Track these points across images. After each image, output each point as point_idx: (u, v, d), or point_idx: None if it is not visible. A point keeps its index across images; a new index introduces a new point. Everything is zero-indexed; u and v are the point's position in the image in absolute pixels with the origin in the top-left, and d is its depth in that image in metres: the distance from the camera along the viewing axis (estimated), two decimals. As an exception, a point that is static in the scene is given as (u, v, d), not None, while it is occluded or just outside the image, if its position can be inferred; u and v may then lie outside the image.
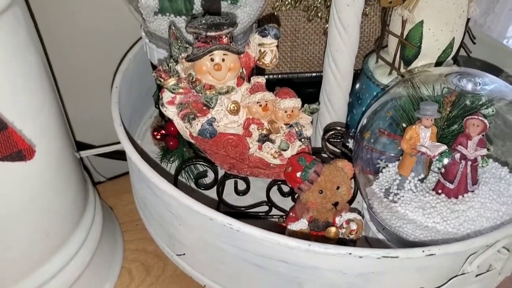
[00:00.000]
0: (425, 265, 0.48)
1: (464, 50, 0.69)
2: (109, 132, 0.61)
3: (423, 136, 0.55)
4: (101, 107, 0.63)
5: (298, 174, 0.56)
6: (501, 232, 0.49)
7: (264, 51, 0.56)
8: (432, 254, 0.46)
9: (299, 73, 0.80)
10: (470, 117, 0.53)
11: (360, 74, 0.73)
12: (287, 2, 0.74)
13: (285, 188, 0.64)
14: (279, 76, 0.80)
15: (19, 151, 0.46)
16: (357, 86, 0.73)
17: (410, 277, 0.49)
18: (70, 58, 0.78)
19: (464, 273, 0.49)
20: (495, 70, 0.76)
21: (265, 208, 0.66)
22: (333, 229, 0.56)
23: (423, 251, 0.46)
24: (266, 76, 0.78)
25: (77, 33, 0.76)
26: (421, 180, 0.58)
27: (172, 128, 0.66)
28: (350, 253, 0.46)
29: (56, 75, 0.75)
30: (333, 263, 0.48)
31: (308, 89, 0.75)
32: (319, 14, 0.75)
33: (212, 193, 0.65)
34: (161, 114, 0.74)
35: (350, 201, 0.64)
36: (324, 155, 0.62)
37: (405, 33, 0.64)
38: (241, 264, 0.52)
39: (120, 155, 0.81)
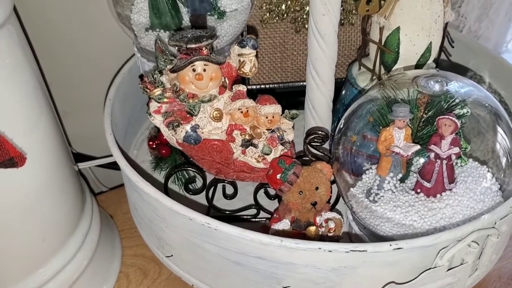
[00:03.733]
0: (395, 259, 0.50)
1: (444, 54, 0.71)
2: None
3: (397, 137, 0.57)
4: (101, 122, 0.67)
5: (278, 176, 0.59)
6: (468, 226, 0.50)
7: (243, 61, 0.59)
8: (399, 248, 0.48)
9: (290, 83, 0.83)
10: (441, 117, 0.55)
11: (345, 81, 0.76)
12: (275, 15, 0.78)
13: (272, 192, 0.67)
14: (271, 86, 0.83)
15: (11, 158, 0.49)
16: (343, 93, 0.75)
17: (382, 272, 0.51)
18: (68, 77, 0.82)
19: (435, 267, 0.51)
20: (467, 71, 0.78)
21: (253, 211, 0.68)
22: (312, 228, 0.59)
23: (390, 245, 0.48)
24: (258, 86, 0.83)
25: (73, 51, 0.80)
26: (402, 181, 0.60)
27: (164, 137, 0.69)
28: (320, 248, 0.48)
29: (57, 93, 0.80)
30: (306, 258, 0.50)
31: (300, 98, 0.78)
32: (306, 26, 0.78)
33: (203, 199, 0.68)
34: (157, 125, 0.77)
35: (334, 204, 0.67)
36: (306, 158, 0.64)
37: (383, 39, 0.66)
38: (223, 263, 0.55)
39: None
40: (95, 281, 0.68)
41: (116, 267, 0.72)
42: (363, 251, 0.48)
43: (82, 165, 0.76)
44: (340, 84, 0.76)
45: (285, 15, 0.77)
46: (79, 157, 0.83)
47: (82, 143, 0.87)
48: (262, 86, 0.83)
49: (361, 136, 0.61)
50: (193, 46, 0.56)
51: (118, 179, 0.87)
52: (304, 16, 0.78)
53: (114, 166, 0.84)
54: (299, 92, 0.81)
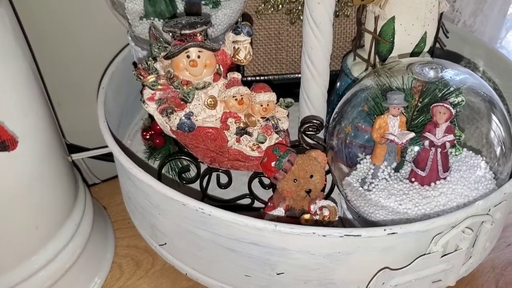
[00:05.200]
0: (390, 244, 0.50)
1: (439, 44, 0.71)
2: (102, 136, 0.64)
3: (391, 124, 0.57)
4: (95, 113, 0.67)
5: (273, 164, 0.58)
6: (462, 212, 0.50)
7: (238, 48, 0.59)
8: (394, 233, 0.48)
9: (285, 75, 0.83)
10: (435, 104, 0.55)
11: (340, 72, 0.76)
12: (269, 6, 0.77)
13: (266, 181, 0.67)
14: (266, 77, 0.83)
15: (2, 141, 0.49)
16: (338, 83, 0.75)
17: (376, 257, 0.51)
18: (62, 68, 0.81)
19: (429, 253, 0.51)
20: (461, 59, 0.78)
21: (247, 200, 0.68)
22: (307, 216, 0.59)
23: (384, 230, 0.48)
24: (252, 78, 0.82)
25: (67, 41, 0.79)
26: (396, 170, 0.60)
27: (158, 127, 0.68)
28: (314, 232, 0.48)
29: (50, 84, 0.79)
30: (300, 243, 0.50)
31: (295, 89, 0.77)
32: (301, 17, 0.78)
33: (197, 188, 0.67)
34: (151, 116, 0.77)
35: (329, 193, 0.67)
36: (301, 147, 0.64)
37: (378, 29, 0.66)
38: (216, 249, 0.54)
39: (113, 157, 0.84)
40: (88, 271, 0.68)
41: (109, 257, 0.71)
42: (358, 235, 0.48)
43: (75, 156, 0.75)
44: (335, 76, 0.76)
45: (280, 6, 0.77)
46: (72, 149, 0.82)
47: (75, 134, 0.87)
48: (257, 78, 0.83)
49: (355, 125, 0.61)
50: (187, 32, 0.56)
51: (112, 171, 0.87)
52: (299, 7, 0.77)
53: (107, 157, 0.83)
54: (294, 83, 0.80)
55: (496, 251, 0.70)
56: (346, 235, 0.47)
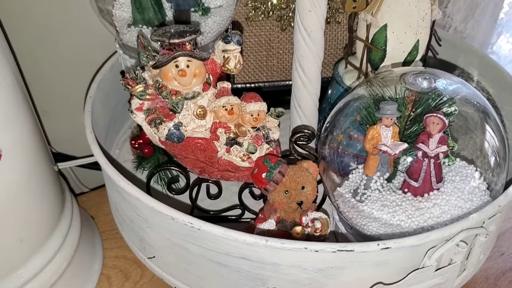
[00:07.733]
0: (383, 259, 0.49)
1: (431, 52, 0.70)
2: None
3: (384, 135, 0.56)
4: (82, 121, 0.66)
5: (264, 175, 0.57)
6: (456, 225, 0.49)
7: (228, 57, 0.58)
8: (387, 248, 0.47)
9: (275, 82, 0.82)
10: (429, 115, 0.54)
11: (331, 80, 0.75)
12: (260, 13, 0.76)
13: (257, 192, 0.66)
14: (256, 85, 0.82)
15: (-15, 155, 0.47)
16: (329, 91, 0.74)
17: (369, 272, 0.50)
18: (49, 75, 0.80)
19: (423, 267, 0.50)
20: (455, 69, 0.78)
21: (238, 211, 0.67)
22: (298, 228, 0.57)
23: (378, 245, 0.47)
24: (243, 85, 0.81)
25: (54, 48, 0.78)
26: (389, 180, 0.59)
27: (147, 136, 0.67)
28: (306, 248, 0.47)
29: (37, 92, 0.78)
30: (291, 258, 0.49)
31: (286, 97, 0.76)
32: (292, 24, 0.77)
33: (186, 199, 0.66)
34: (139, 124, 0.76)
35: (320, 204, 0.66)
36: (292, 157, 0.63)
37: (370, 37, 0.66)
38: (206, 264, 0.53)
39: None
40: (75, 283, 0.66)
41: (97, 269, 0.70)
42: (350, 251, 0.47)
43: (62, 165, 0.74)
44: (326, 83, 0.75)
45: (271, 12, 0.76)
46: (59, 157, 0.81)
47: (63, 143, 0.85)
48: (247, 85, 0.82)
49: (348, 135, 0.60)
50: (176, 41, 0.55)
51: (100, 180, 0.85)
52: (290, 14, 0.77)
53: (95, 166, 0.82)
54: (285, 91, 0.80)
55: (489, 261, 0.70)
56: (339, 250, 0.47)
